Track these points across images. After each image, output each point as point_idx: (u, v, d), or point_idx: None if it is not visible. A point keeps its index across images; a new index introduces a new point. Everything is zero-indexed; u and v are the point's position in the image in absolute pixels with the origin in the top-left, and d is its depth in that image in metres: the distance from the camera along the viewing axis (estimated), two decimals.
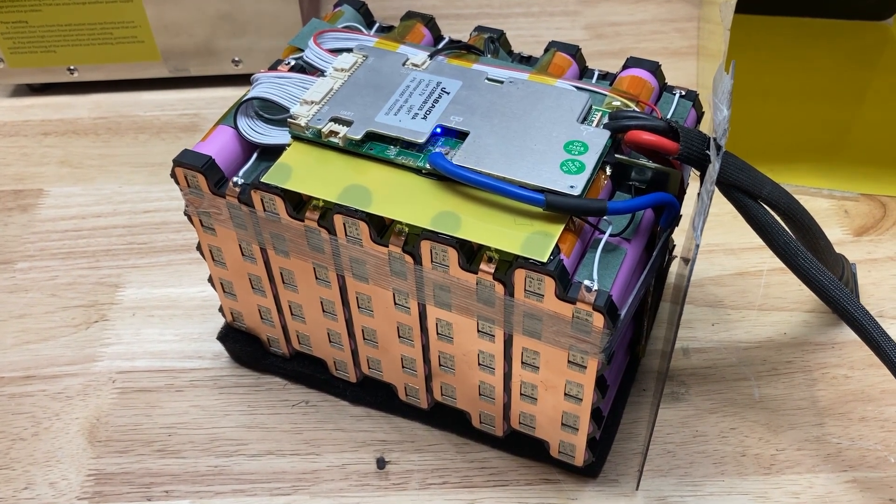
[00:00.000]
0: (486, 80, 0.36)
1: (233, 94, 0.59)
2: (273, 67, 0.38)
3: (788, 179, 0.52)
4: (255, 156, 0.36)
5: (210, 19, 0.57)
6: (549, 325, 0.31)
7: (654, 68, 0.38)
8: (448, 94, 0.35)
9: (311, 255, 0.35)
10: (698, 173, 0.33)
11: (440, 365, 0.37)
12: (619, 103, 0.35)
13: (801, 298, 0.46)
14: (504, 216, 0.31)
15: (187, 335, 0.45)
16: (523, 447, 0.38)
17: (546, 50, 0.40)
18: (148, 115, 0.59)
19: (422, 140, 0.33)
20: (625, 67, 0.38)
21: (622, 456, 0.39)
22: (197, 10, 0.56)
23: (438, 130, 0.34)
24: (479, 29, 0.41)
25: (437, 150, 0.33)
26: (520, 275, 0.30)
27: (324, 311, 0.38)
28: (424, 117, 0.34)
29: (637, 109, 0.35)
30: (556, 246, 0.30)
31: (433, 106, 0.34)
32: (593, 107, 0.35)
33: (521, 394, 0.35)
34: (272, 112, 0.36)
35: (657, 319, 0.44)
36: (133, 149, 0.57)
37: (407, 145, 0.33)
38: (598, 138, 0.33)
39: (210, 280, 0.40)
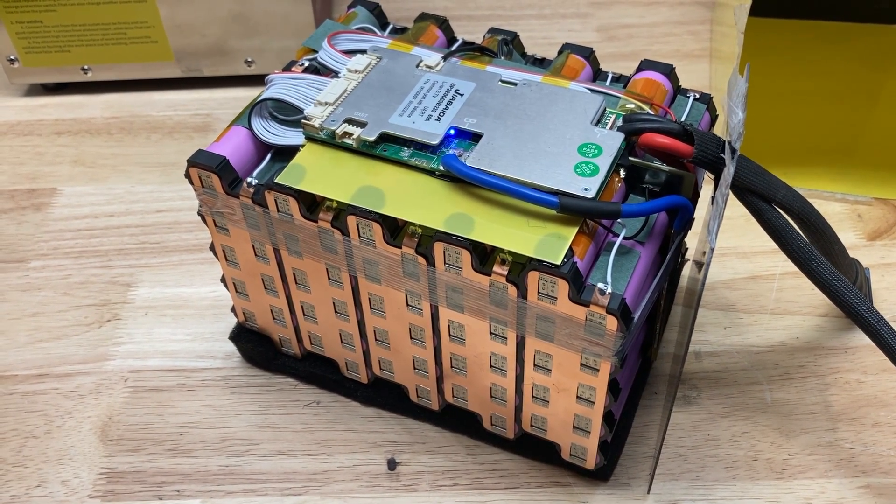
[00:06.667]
0: (500, 82, 0.36)
1: (245, 95, 0.60)
2: (287, 68, 0.38)
3: (802, 183, 0.51)
4: (268, 156, 0.36)
5: (223, 20, 0.57)
6: (561, 327, 0.31)
7: (668, 71, 0.38)
8: (462, 95, 0.35)
9: (323, 255, 0.35)
10: (712, 177, 0.33)
11: (452, 367, 0.37)
12: (633, 106, 0.35)
13: (814, 302, 0.45)
14: (517, 218, 0.31)
15: (199, 335, 0.45)
16: (534, 450, 0.38)
17: (560, 52, 0.40)
18: (161, 115, 0.59)
19: (435, 142, 0.33)
20: (639, 70, 0.38)
21: (633, 459, 0.39)
22: (210, 11, 0.57)
23: (452, 132, 0.34)
24: (493, 31, 0.41)
25: (451, 151, 0.33)
26: (533, 277, 0.30)
27: (336, 311, 0.38)
28: (438, 119, 0.34)
29: (651, 112, 0.35)
30: (570, 248, 0.30)
31: (447, 107, 0.34)
32: (607, 109, 0.35)
33: (532, 396, 0.35)
34: (286, 113, 0.36)
35: (669, 323, 0.44)
36: (146, 149, 0.57)
37: (420, 147, 0.34)
38: (612, 141, 0.33)
39: (223, 280, 0.40)
